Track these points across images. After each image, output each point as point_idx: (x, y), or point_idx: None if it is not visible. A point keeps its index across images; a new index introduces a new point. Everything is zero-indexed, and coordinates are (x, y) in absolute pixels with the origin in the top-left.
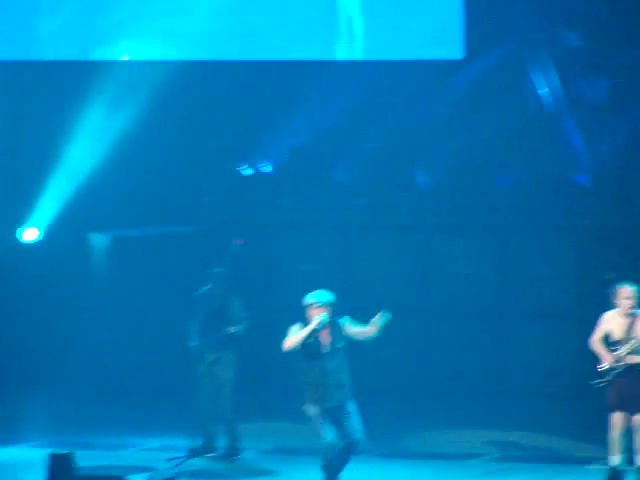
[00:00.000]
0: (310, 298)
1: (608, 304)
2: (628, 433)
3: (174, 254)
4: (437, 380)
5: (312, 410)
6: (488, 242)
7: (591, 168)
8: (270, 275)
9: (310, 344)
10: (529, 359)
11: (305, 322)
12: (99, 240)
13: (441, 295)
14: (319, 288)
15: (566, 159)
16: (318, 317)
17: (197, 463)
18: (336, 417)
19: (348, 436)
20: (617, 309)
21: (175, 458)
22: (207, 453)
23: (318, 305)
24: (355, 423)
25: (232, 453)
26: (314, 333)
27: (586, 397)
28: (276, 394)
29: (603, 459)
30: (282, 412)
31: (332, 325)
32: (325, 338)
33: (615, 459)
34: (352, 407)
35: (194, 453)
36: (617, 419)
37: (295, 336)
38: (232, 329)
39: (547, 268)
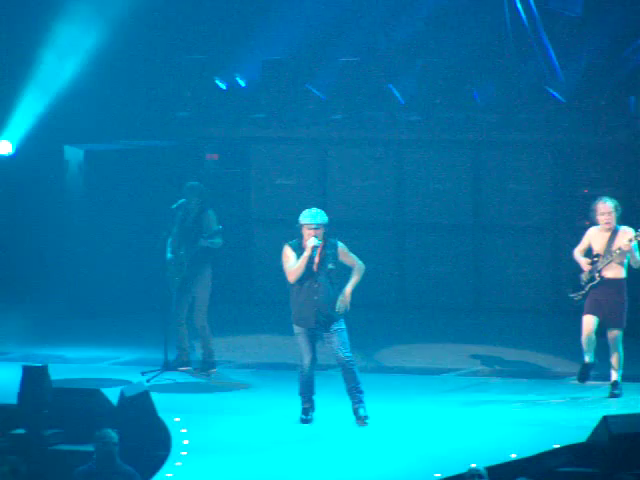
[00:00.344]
0: (305, 218)
1: (582, 219)
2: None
3: (149, 168)
4: (411, 295)
5: (295, 329)
6: (463, 157)
7: (567, 84)
8: (245, 189)
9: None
10: (504, 274)
11: (298, 240)
12: (73, 153)
13: (416, 210)
14: (293, 202)
15: (542, 75)
16: (311, 241)
17: (172, 377)
18: (322, 337)
19: (336, 354)
20: (599, 225)
21: (149, 372)
22: (182, 367)
23: (312, 227)
24: (341, 341)
25: (207, 367)
26: (298, 251)
27: (562, 312)
28: (254, 309)
29: (576, 371)
30: (259, 327)
31: (325, 246)
32: (317, 259)
33: (587, 357)
34: (339, 325)
35: (169, 367)
36: (588, 320)
37: (297, 268)
38: (205, 242)
39: (522, 183)
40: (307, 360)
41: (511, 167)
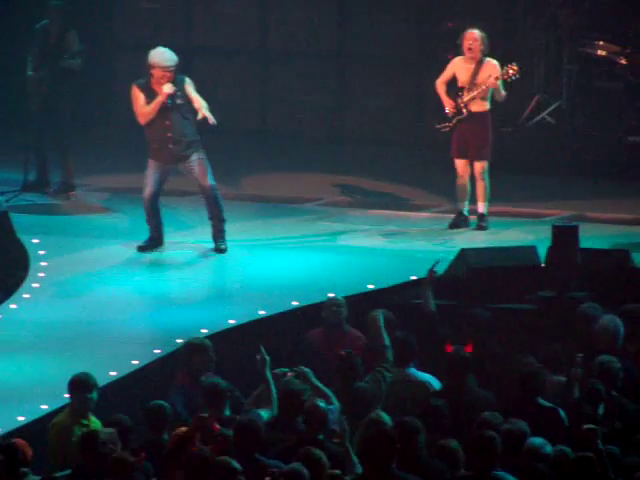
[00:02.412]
0: (159, 60)
1: (446, 52)
2: (472, 181)
3: None
4: (273, 124)
5: (149, 162)
6: None
7: None
8: (109, 10)
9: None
10: (367, 105)
11: (145, 79)
12: None
13: (280, 38)
14: (158, 26)
15: None
16: (167, 87)
17: (31, 198)
18: (180, 171)
19: (199, 183)
20: (464, 56)
21: (7, 192)
22: (41, 188)
23: (169, 69)
24: (204, 169)
25: (66, 189)
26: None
27: (424, 145)
28: (113, 132)
29: (438, 206)
30: (118, 150)
31: (174, 82)
32: (166, 96)
33: (460, 205)
34: (200, 155)
35: (27, 187)
36: (460, 165)
37: (148, 112)
38: (66, 62)
39: (388, 14)
40: (147, 192)
41: None
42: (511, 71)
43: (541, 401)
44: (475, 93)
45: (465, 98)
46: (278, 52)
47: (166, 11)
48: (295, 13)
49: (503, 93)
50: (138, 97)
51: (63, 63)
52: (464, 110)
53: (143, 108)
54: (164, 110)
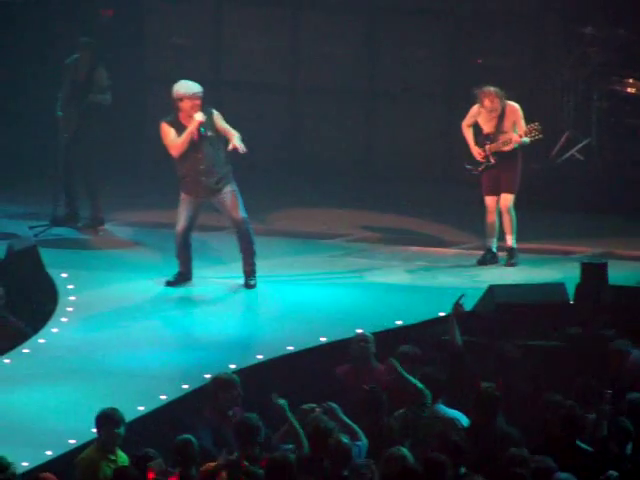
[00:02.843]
0: (187, 89)
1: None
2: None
3: (43, 22)
4: (304, 159)
5: (182, 196)
6: (360, 22)
7: None
8: (139, 47)
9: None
10: (397, 141)
11: (173, 115)
12: None
13: (310, 74)
14: (187, 62)
15: None
16: (199, 116)
17: (60, 232)
18: (213, 205)
19: (230, 216)
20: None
21: (37, 226)
22: (70, 222)
23: (197, 96)
24: (235, 202)
25: (95, 224)
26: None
27: (454, 180)
28: (144, 167)
29: (467, 243)
30: (150, 186)
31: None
32: (194, 129)
33: (489, 242)
34: (232, 187)
35: (57, 222)
36: (490, 202)
37: (181, 143)
38: (95, 97)
39: (420, 49)
40: (180, 227)
41: (408, 33)
42: (534, 133)
43: (579, 443)
44: (501, 144)
45: (492, 148)
46: (308, 87)
47: (196, 46)
48: (325, 48)
49: (527, 142)
50: (169, 132)
51: (92, 98)
52: (492, 159)
53: (175, 141)
54: (195, 143)
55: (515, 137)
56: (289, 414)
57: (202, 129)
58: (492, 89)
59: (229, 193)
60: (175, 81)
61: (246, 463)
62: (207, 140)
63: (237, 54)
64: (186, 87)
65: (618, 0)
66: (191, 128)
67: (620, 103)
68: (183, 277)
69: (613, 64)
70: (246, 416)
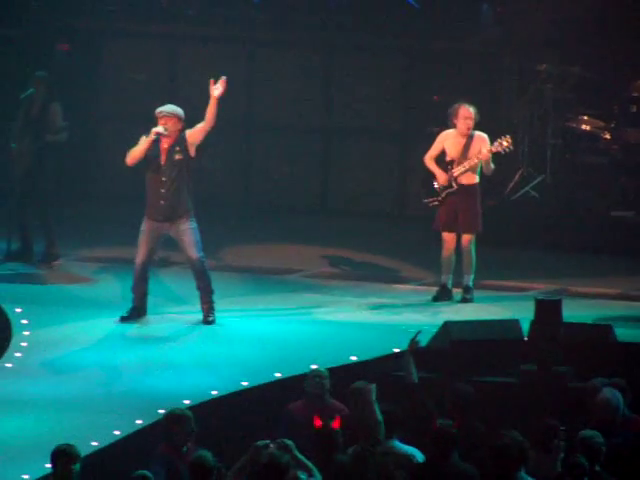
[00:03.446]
0: (158, 109)
1: (431, 125)
2: (458, 253)
3: (0, 56)
4: (257, 196)
5: (143, 222)
6: (315, 59)
7: None
8: (94, 82)
9: (152, 156)
10: (352, 177)
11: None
12: None
13: (265, 111)
14: (142, 99)
15: None
16: (157, 128)
17: (14, 267)
18: (170, 234)
19: (187, 254)
20: (454, 129)
21: None
22: (24, 258)
23: (162, 114)
24: (193, 240)
25: (50, 259)
26: (155, 144)
27: (408, 217)
28: (94, 205)
29: (423, 279)
30: (100, 221)
31: (175, 138)
32: (165, 151)
33: (445, 278)
34: (190, 225)
35: (11, 257)
36: (447, 239)
37: (135, 150)
38: (51, 137)
39: (373, 87)
40: (139, 258)
41: (362, 71)
42: (505, 143)
43: (522, 475)
44: (467, 166)
45: (456, 172)
46: (262, 124)
47: (151, 83)
48: (281, 85)
49: (492, 166)
50: (139, 142)
51: (47, 138)
52: (454, 184)
53: (133, 149)
54: (161, 167)
55: (483, 153)
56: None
57: (155, 137)
58: (471, 107)
59: (187, 230)
60: (128, 116)
61: None
62: (172, 165)
63: (191, 90)
64: (159, 108)
65: (573, 38)
66: (148, 138)
67: (575, 140)
68: (137, 312)
69: (568, 101)
70: (200, 454)
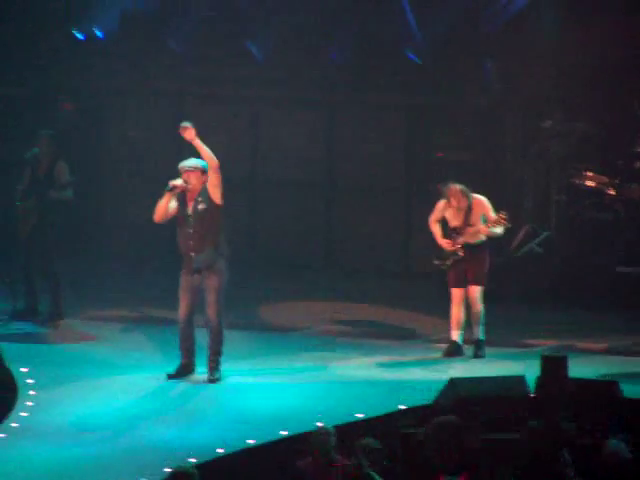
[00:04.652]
0: (181, 164)
1: (435, 182)
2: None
3: (3, 116)
4: (263, 251)
5: (180, 279)
6: (319, 116)
7: (424, 46)
8: (99, 140)
9: (179, 210)
10: (356, 234)
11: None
12: None
13: (270, 167)
14: (148, 155)
15: (399, 35)
16: (175, 180)
17: (20, 326)
18: (201, 285)
19: (205, 311)
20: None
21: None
22: (30, 316)
23: (184, 169)
24: (212, 299)
25: (55, 317)
26: (179, 197)
27: (413, 274)
28: (106, 264)
29: (432, 335)
30: (111, 281)
31: (200, 190)
32: (190, 203)
33: (455, 334)
34: (215, 282)
35: (16, 316)
36: (456, 294)
37: (157, 205)
38: (56, 194)
39: (377, 144)
40: (181, 310)
41: (366, 128)
42: (502, 221)
43: None
44: (470, 235)
45: (460, 241)
46: (268, 181)
47: (157, 140)
48: (285, 142)
49: (497, 231)
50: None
51: (53, 195)
52: (460, 252)
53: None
54: (187, 219)
55: (483, 228)
56: None
57: (167, 187)
58: (458, 187)
59: (214, 290)
60: (132, 173)
61: None
62: (197, 216)
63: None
64: (182, 163)
65: (576, 95)
66: (167, 191)
67: (579, 196)
68: (184, 369)
69: (572, 158)
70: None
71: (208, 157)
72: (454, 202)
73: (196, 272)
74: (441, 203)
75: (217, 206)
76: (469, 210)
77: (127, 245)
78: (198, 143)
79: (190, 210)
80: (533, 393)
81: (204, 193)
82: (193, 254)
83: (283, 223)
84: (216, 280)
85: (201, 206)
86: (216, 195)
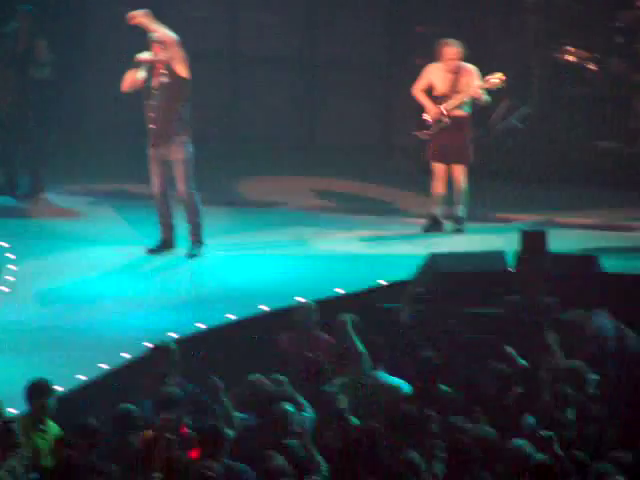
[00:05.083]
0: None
1: (416, 56)
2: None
3: None
4: (244, 128)
5: (148, 153)
6: None
7: None
8: (82, 15)
9: (146, 82)
10: (337, 110)
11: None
12: None
13: (249, 43)
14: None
15: None
16: (140, 54)
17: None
18: (165, 157)
19: (176, 186)
20: (440, 62)
21: None
22: (9, 191)
23: (151, 40)
24: (180, 173)
25: (35, 191)
26: (148, 69)
27: (393, 148)
28: (85, 136)
29: (411, 210)
30: (91, 154)
31: (165, 63)
32: (155, 76)
33: (435, 209)
34: (181, 155)
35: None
36: (437, 169)
37: (128, 75)
38: (34, 71)
39: (357, 18)
40: (153, 186)
41: (347, 3)
42: (495, 80)
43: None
44: (457, 101)
45: (448, 107)
46: (246, 56)
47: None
48: (262, 17)
49: (485, 98)
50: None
51: (32, 73)
52: (446, 119)
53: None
54: (152, 92)
55: (473, 90)
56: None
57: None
58: (456, 43)
59: (179, 162)
60: (114, 51)
61: (187, 429)
62: (161, 88)
63: (180, 19)
64: (150, 34)
65: None
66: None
67: (560, 71)
68: (165, 244)
69: (553, 33)
70: (169, 390)
71: (162, 34)
72: (449, 62)
73: (156, 145)
74: (429, 67)
75: (180, 79)
76: (457, 75)
77: (111, 121)
78: (146, 25)
79: (155, 82)
80: (512, 268)
81: (169, 67)
82: (154, 126)
83: (261, 100)
84: (180, 152)
85: (164, 79)
86: (179, 68)
